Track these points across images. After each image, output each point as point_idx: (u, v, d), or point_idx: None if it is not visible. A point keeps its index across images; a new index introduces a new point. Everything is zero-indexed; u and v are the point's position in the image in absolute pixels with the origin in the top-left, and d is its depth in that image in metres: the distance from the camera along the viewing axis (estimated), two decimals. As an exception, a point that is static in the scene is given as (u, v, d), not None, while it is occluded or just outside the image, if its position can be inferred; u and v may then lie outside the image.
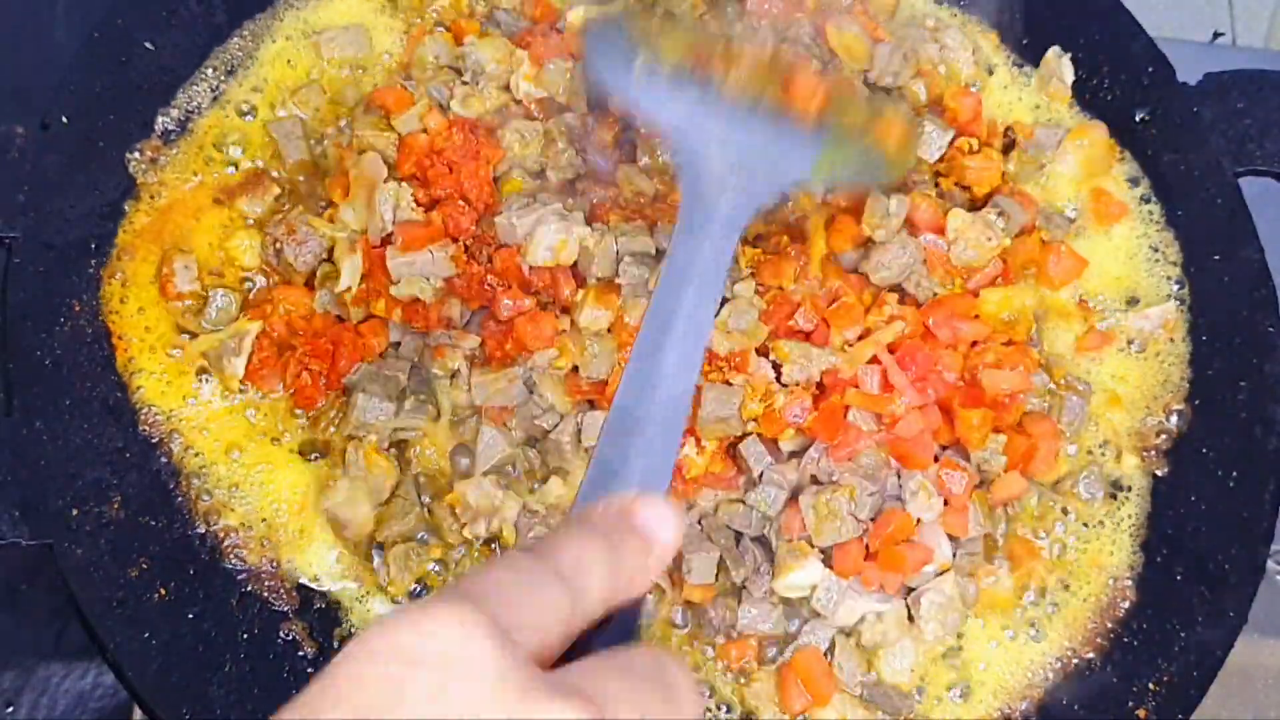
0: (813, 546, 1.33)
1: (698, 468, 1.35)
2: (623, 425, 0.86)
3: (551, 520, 1.34)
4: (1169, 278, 1.52)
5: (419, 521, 1.35)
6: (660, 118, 1.26)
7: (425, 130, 1.45)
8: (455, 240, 1.39)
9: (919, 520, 1.35)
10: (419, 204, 1.40)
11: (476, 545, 1.35)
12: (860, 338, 1.39)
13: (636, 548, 0.69)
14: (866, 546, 1.34)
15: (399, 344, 1.41)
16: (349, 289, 1.38)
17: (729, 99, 1.27)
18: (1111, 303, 1.51)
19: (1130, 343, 1.49)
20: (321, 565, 1.34)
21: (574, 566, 0.65)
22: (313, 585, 1.33)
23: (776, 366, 1.37)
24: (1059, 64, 1.59)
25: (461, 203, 1.40)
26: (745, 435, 1.37)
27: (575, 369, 1.37)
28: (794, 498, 1.35)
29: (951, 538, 1.36)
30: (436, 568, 1.35)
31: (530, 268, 1.37)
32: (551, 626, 0.63)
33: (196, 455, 1.36)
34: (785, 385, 1.36)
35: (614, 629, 0.70)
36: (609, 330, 1.37)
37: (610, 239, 1.38)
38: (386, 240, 1.39)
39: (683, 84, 1.27)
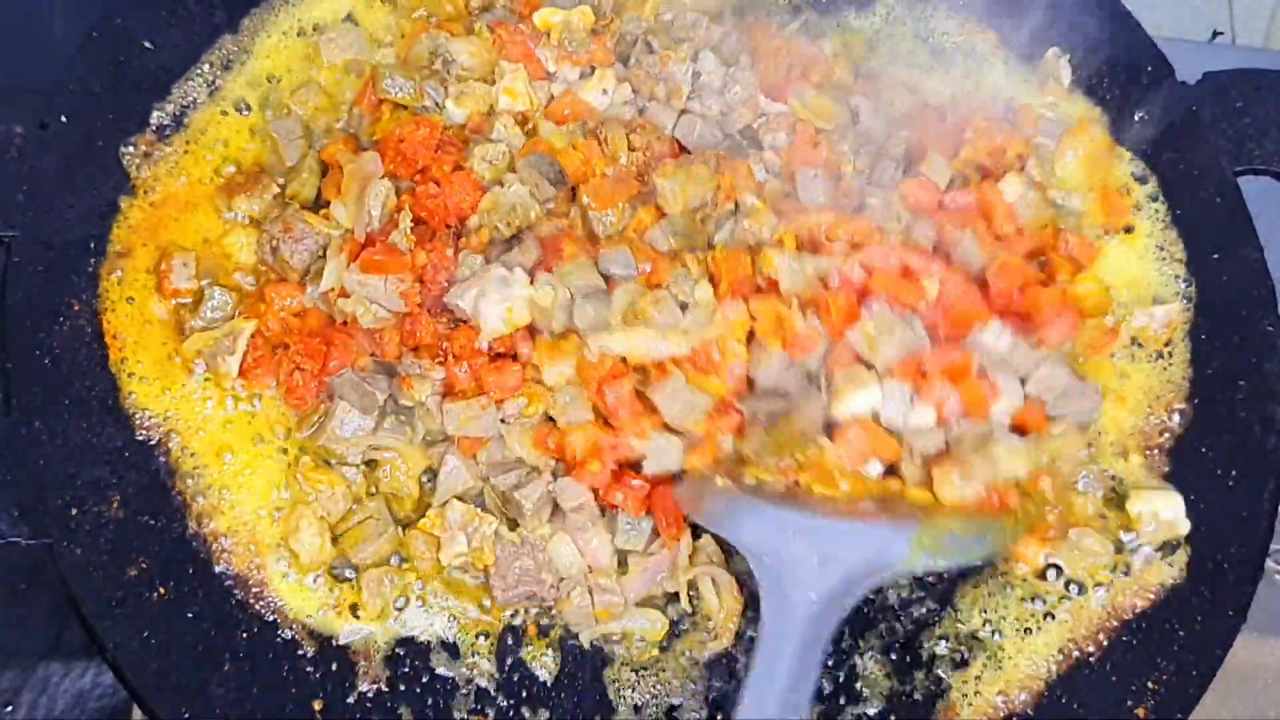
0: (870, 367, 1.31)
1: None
2: None
3: (538, 555, 1.33)
4: (1176, 276, 1.52)
5: (393, 544, 1.34)
6: (740, 538, 1.20)
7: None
8: (420, 281, 1.36)
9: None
10: (414, 220, 1.40)
11: (452, 572, 1.34)
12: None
13: None
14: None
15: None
16: (331, 289, 1.38)
17: (819, 502, 1.19)
18: (1117, 300, 1.50)
19: (1134, 341, 1.48)
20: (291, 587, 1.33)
21: None
22: (285, 610, 1.32)
23: None
24: (1057, 64, 1.59)
25: (444, 234, 1.40)
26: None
27: (548, 417, 1.35)
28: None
29: None
30: (419, 587, 1.34)
31: (489, 343, 1.35)
32: None
33: (192, 455, 1.35)
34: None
35: None
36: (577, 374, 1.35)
37: (559, 291, 1.34)
38: (372, 240, 1.39)
39: (763, 496, 1.21)
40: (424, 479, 1.37)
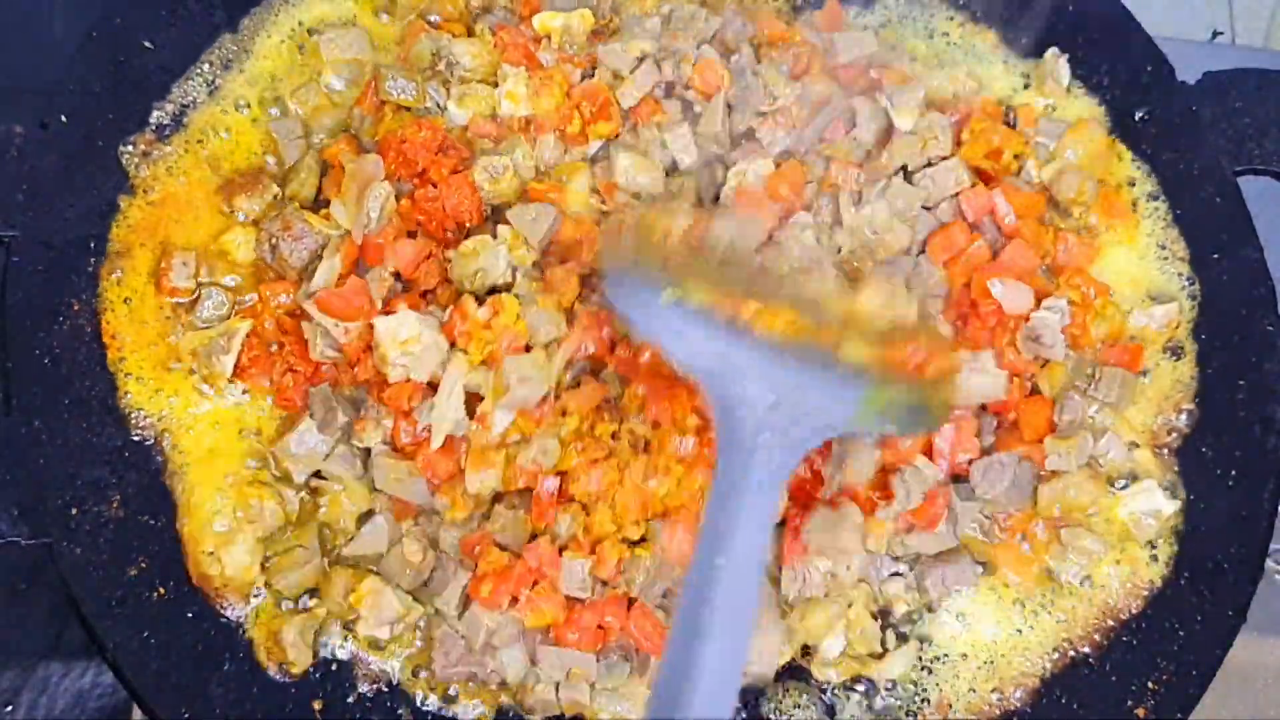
0: None
1: None
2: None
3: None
4: (1179, 274, 1.51)
5: (315, 577, 1.31)
6: (692, 362, 1.18)
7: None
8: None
9: None
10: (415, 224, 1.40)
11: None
12: None
13: None
14: None
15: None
16: (323, 288, 1.37)
17: (764, 336, 1.19)
18: (1122, 298, 1.50)
19: (1132, 340, 1.48)
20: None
21: None
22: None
23: None
24: (1056, 65, 1.59)
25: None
26: None
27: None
28: None
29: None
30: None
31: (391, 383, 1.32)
32: None
33: (181, 454, 1.36)
34: None
35: None
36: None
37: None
38: (369, 243, 1.38)
39: (713, 321, 1.20)
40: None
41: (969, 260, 1.45)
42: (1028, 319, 1.42)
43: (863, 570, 1.34)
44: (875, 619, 1.35)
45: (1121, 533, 1.40)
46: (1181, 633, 1.36)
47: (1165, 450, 1.45)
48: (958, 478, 1.39)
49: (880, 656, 1.35)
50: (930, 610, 1.36)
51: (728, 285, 1.22)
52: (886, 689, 1.34)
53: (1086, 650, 1.37)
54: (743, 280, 1.24)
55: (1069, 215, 1.53)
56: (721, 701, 0.88)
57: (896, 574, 1.36)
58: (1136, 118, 1.58)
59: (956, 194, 1.49)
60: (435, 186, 1.40)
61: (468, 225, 1.41)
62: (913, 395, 1.22)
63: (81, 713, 1.48)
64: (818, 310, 1.22)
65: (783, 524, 1.33)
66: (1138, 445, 1.44)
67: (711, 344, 1.17)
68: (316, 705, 1.29)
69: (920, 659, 1.36)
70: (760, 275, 1.29)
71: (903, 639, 1.36)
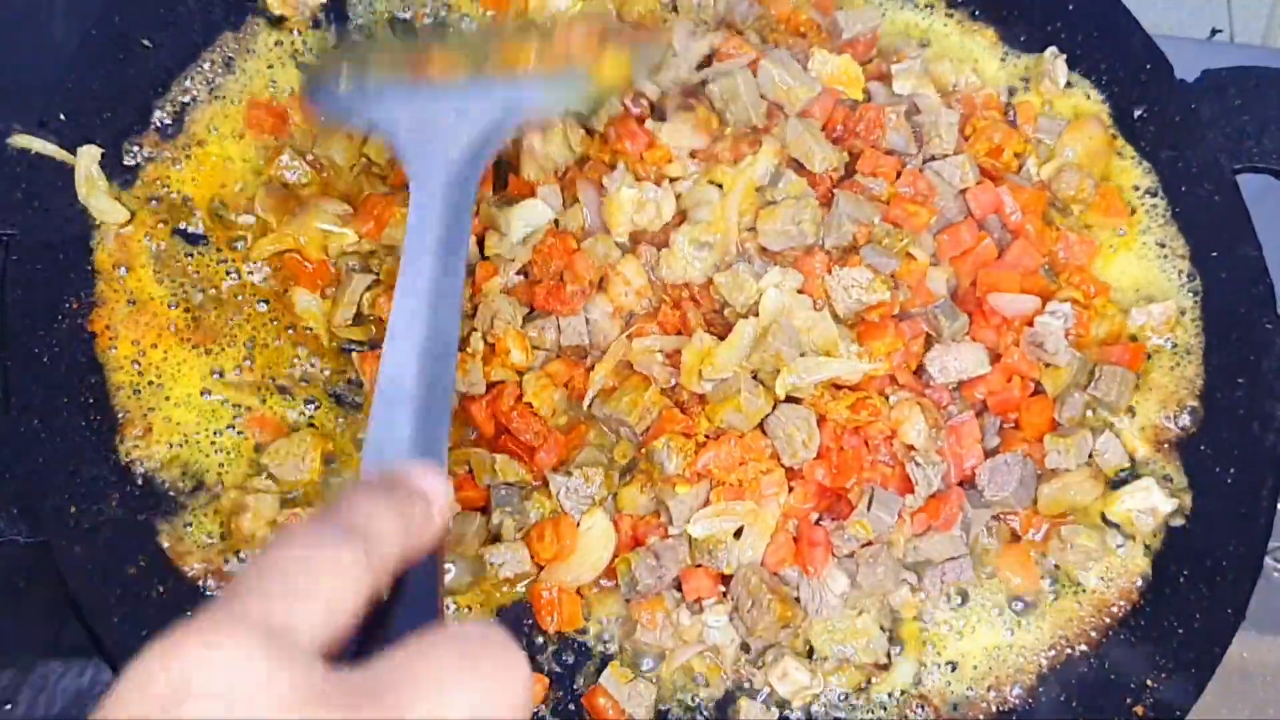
0: None
1: None
2: (391, 398, 0.89)
3: None
4: (1180, 271, 1.51)
5: None
6: (372, 117, 1.24)
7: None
8: None
9: None
10: None
11: None
12: None
13: (420, 503, 0.73)
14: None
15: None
16: None
17: (435, 79, 1.26)
18: (1122, 296, 1.50)
19: (1132, 340, 1.48)
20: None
21: (364, 516, 0.68)
22: None
23: None
24: (1054, 65, 1.59)
25: None
26: None
27: None
28: None
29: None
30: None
31: None
32: (345, 597, 0.63)
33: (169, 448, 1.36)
34: None
35: (414, 606, 0.73)
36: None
37: None
38: None
39: (390, 85, 1.26)
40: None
41: (976, 258, 1.45)
42: (1032, 322, 1.42)
43: (880, 585, 1.34)
44: (884, 631, 1.35)
45: (1120, 530, 1.41)
46: (1180, 630, 1.36)
47: (1164, 447, 1.45)
48: (962, 484, 1.38)
49: (885, 667, 1.35)
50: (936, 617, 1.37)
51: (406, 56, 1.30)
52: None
53: (1084, 648, 1.37)
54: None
55: (1069, 213, 1.53)
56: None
57: (904, 581, 1.36)
58: (1135, 115, 1.57)
59: (963, 190, 1.48)
60: None
61: None
62: (573, 78, 1.27)
63: (81, 711, 1.48)
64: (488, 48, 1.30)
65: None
66: (1137, 443, 1.44)
67: (392, 94, 1.23)
68: (316, 703, 1.28)
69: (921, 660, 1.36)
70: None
71: (899, 644, 1.36)
